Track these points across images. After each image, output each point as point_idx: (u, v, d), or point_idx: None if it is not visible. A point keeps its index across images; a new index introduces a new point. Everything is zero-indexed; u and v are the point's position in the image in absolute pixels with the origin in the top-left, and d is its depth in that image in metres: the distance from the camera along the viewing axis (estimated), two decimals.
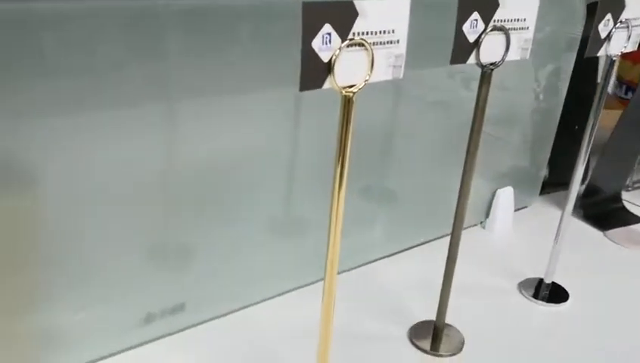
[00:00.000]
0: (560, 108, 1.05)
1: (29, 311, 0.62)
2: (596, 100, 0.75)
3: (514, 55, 0.63)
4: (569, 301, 0.84)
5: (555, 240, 0.83)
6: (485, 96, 0.63)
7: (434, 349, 0.73)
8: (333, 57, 0.47)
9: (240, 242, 0.75)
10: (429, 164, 0.92)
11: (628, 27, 0.72)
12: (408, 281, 0.86)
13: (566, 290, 0.86)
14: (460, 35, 0.58)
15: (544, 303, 0.84)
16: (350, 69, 0.49)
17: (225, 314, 0.76)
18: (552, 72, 1.00)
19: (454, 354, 0.73)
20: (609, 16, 0.69)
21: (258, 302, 0.79)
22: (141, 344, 0.70)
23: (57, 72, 0.56)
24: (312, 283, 0.81)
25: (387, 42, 0.50)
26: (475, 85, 0.64)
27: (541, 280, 0.86)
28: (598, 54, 0.71)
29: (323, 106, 0.60)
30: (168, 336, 0.72)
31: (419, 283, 0.85)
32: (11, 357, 0.62)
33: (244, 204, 0.73)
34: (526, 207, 1.11)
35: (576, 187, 0.80)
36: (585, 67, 1.02)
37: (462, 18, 0.58)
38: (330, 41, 0.47)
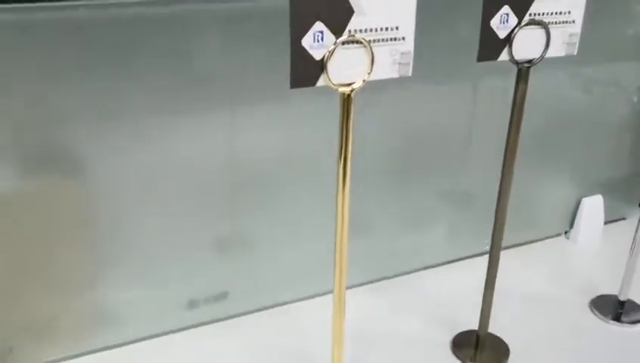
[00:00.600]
0: None
1: (85, 287, 0.68)
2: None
3: (556, 51, 0.58)
4: None
5: (630, 253, 0.76)
6: (522, 95, 0.59)
7: (473, 359, 0.70)
8: (327, 55, 0.47)
9: (289, 239, 0.77)
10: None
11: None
12: (469, 288, 0.83)
13: None
14: (487, 30, 0.55)
15: (614, 322, 0.77)
16: (350, 67, 0.49)
17: (267, 308, 0.78)
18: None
19: None
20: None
21: (302, 299, 0.80)
22: (184, 328, 0.74)
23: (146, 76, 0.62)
24: (360, 285, 0.82)
25: (391, 39, 0.49)
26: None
27: (616, 298, 0.79)
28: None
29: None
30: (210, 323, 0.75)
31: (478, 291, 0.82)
32: (67, 325, 0.68)
33: (297, 203, 0.75)
34: (623, 219, 1.02)
35: None
36: None
37: (490, 13, 0.54)
38: (322, 39, 0.47)
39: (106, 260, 0.68)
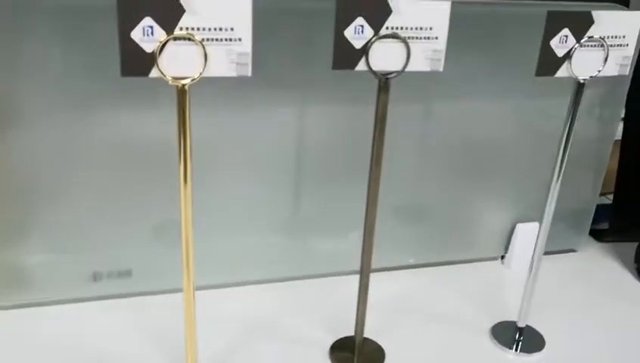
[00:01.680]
0: (614, 137, 0.93)
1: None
2: (565, 130, 0.69)
3: (420, 66, 0.60)
4: (543, 350, 0.76)
5: (528, 276, 0.75)
6: (384, 106, 0.61)
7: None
8: (157, 48, 0.51)
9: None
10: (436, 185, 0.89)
11: (603, 46, 0.65)
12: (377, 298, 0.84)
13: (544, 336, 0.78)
14: (342, 40, 0.57)
15: (508, 350, 0.76)
16: (187, 63, 0.52)
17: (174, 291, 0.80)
18: (602, 94, 0.90)
19: None
20: (566, 31, 0.63)
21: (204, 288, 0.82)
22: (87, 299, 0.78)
23: None
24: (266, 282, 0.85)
25: (226, 40, 0.52)
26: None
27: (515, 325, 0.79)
28: (558, 75, 0.65)
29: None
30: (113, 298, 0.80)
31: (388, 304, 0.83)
32: None
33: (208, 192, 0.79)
34: (573, 251, 1.01)
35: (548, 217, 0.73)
36: None
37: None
38: (152, 33, 0.51)
39: (19, 222, 0.73)
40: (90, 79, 0.69)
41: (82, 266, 0.77)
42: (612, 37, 0.66)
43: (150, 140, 0.74)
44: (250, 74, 0.54)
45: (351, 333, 0.73)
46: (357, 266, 0.70)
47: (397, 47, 0.59)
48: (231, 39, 0.53)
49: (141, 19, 0.50)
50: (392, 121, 0.63)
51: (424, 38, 0.60)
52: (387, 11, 0.57)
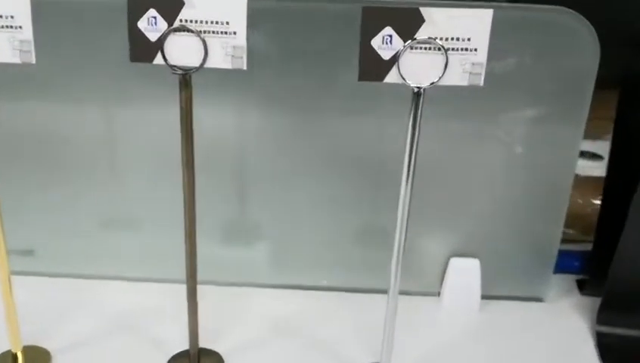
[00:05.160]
0: (575, 161, 0.76)
1: None
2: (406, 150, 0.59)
3: (219, 63, 0.56)
4: None
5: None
6: (186, 102, 0.58)
7: None
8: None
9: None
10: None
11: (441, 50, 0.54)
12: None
13: None
14: (136, 32, 0.56)
15: None
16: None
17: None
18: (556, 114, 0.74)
19: None
20: (389, 30, 0.54)
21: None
22: None
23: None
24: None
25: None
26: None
27: None
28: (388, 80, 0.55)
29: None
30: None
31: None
32: None
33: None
34: (540, 300, 0.83)
35: None
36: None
37: (136, 16, 0.56)
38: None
39: None
40: None
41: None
42: (449, 39, 0.54)
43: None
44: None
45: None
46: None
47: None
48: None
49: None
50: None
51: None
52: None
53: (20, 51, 0.56)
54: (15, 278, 0.69)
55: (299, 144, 0.78)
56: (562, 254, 0.81)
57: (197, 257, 0.66)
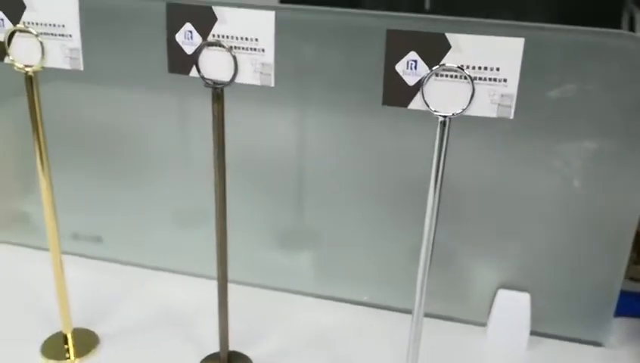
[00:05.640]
0: None
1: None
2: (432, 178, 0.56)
3: (249, 79, 0.57)
4: None
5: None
6: (219, 115, 0.55)
7: None
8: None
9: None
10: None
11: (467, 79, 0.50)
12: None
13: None
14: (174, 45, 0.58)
15: None
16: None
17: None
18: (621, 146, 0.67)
19: None
20: (414, 55, 0.52)
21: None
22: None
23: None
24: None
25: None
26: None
27: None
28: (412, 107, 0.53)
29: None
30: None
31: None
32: None
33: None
34: (598, 345, 0.76)
35: None
36: None
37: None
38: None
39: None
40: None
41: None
42: (477, 67, 0.50)
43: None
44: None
45: None
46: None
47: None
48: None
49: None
50: None
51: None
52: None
53: (70, 58, 0.60)
54: (77, 260, 0.75)
55: (355, 162, 0.78)
56: (625, 295, 0.75)
57: (227, 261, 0.68)
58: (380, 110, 0.73)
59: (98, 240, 0.89)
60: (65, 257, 0.71)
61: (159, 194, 0.86)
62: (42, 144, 0.64)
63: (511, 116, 0.52)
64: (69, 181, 0.75)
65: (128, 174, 0.86)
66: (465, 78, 0.52)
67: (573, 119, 0.68)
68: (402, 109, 0.71)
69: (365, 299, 0.82)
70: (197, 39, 0.58)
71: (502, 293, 0.76)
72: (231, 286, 0.68)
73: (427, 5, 1.00)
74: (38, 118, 0.63)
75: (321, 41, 0.72)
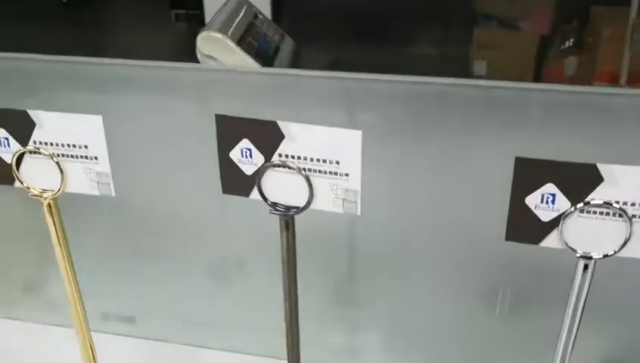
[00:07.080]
0: None
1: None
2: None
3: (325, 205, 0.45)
4: None
5: None
6: (288, 243, 0.44)
7: None
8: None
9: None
10: None
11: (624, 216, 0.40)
12: None
13: None
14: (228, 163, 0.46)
15: None
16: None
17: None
18: None
19: None
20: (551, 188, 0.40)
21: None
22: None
23: None
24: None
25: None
26: None
27: None
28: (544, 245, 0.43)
29: None
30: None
31: None
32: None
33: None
34: None
35: None
36: None
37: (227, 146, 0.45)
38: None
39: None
40: None
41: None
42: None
43: None
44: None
45: None
46: None
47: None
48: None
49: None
50: None
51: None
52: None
53: (98, 183, 0.48)
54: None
55: (416, 236, 0.67)
56: None
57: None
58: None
59: (132, 320, 0.80)
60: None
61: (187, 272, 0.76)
62: (67, 260, 0.53)
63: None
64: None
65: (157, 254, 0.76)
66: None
67: None
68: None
69: None
70: (259, 158, 0.45)
71: None
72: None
73: None
74: (62, 244, 0.51)
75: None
